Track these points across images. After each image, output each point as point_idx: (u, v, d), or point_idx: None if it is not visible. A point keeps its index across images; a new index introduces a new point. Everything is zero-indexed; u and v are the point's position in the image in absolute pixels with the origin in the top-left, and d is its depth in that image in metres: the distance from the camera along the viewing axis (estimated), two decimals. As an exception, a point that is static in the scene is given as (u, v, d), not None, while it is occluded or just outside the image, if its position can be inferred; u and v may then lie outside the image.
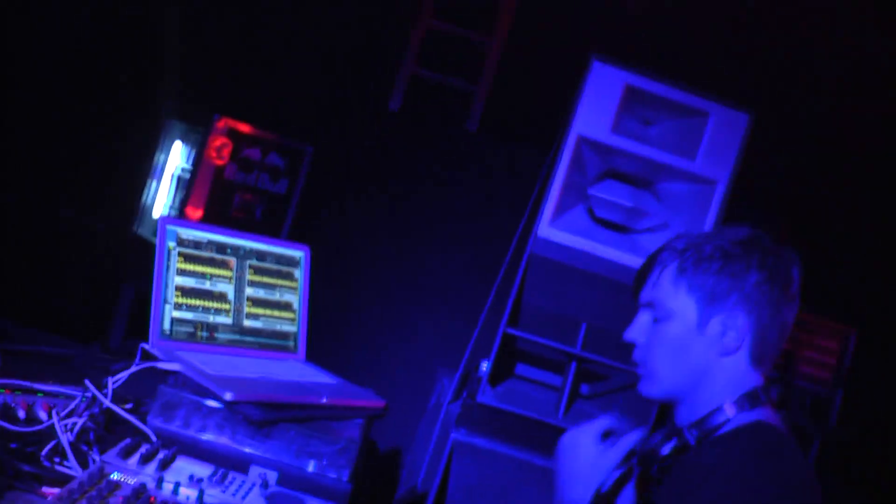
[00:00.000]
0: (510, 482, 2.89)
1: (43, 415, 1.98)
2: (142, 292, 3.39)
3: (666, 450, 1.60)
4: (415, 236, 3.93)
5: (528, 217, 3.09)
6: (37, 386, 2.07)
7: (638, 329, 1.71)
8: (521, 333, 2.91)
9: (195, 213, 3.46)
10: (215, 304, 2.20)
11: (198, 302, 2.16)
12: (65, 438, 1.81)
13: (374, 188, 3.97)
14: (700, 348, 1.61)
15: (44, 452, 1.82)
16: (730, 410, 1.57)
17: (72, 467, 1.78)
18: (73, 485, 1.57)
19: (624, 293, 2.90)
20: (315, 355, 2.40)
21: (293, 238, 3.28)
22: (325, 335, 2.54)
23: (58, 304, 3.33)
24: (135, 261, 3.57)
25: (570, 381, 3.07)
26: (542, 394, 3.18)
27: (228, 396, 1.87)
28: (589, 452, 1.66)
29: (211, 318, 2.19)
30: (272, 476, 1.89)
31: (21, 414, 1.97)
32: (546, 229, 2.94)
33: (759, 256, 1.60)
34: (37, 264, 3.46)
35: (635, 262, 2.95)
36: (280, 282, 2.35)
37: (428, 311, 3.89)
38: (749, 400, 1.58)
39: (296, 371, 2.25)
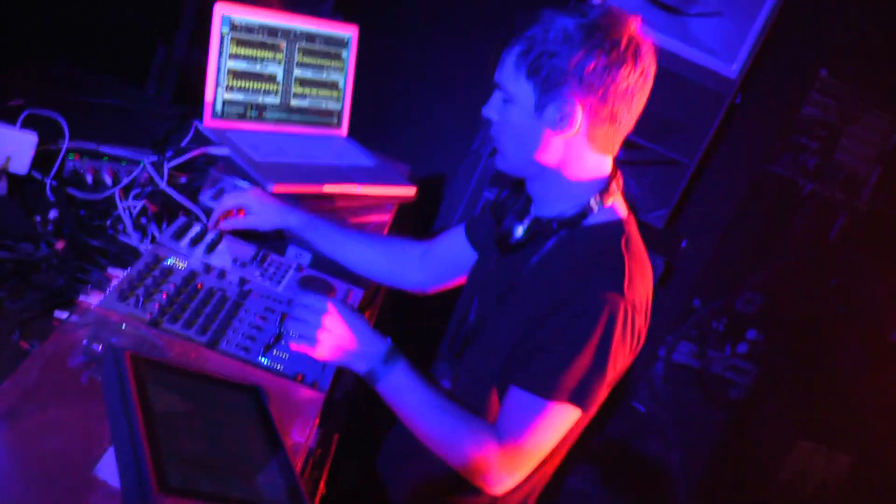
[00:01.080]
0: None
1: (108, 180, 2.21)
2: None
3: (520, 234, 1.76)
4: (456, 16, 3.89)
5: (578, -2, 3.09)
6: (102, 149, 2.28)
7: (491, 107, 1.75)
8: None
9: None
10: (265, 85, 2.35)
11: (248, 84, 2.32)
12: (127, 217, 2.05)
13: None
14: (538, 132, 1.67)
15: (108, 222, 2.08)
16: (589, 210, 1.70)
17: (132, 240, 2.03)
18: (133, 272, 1.82)
19: (667, 79, 2.99)
20: (358, 130, 2.57)
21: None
22: (368, 110, 2.68)
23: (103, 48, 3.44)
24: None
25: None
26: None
27: (271, 188, 2.07)
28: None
29: (260, 99, 2.35)
30: (306, 257, 2.13)
31: (89, 179, 2.20)
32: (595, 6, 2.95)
33: (599, 39, 1.58)
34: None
35: (683, 49, 3.01)
36: (327, 62, 2.47)
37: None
38: (602, 196, 1.70)
39: (336, 150, 2.43)
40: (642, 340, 1.69)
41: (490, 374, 1.75)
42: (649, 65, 1.67)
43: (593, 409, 1.71)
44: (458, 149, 3.80)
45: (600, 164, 1.73)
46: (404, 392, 1.71)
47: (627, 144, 3.20)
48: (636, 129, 2.96)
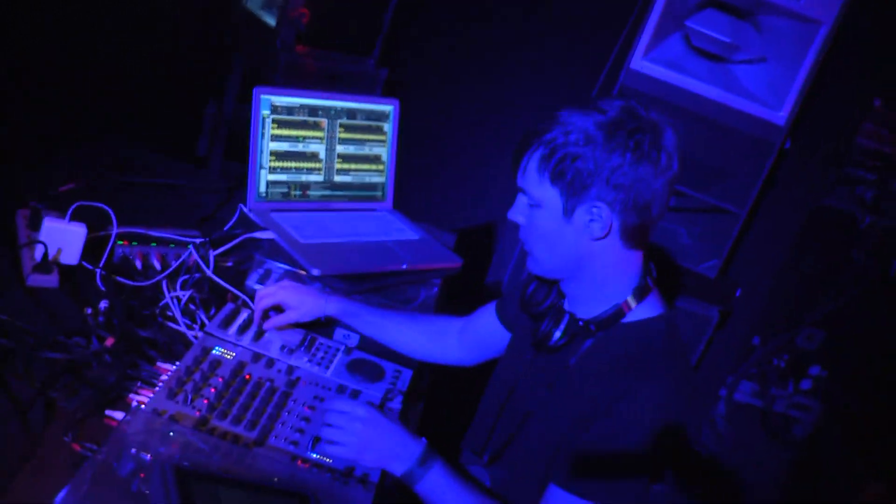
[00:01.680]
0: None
1: (157, 264, 2.24)
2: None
3: (559, 337, 1.73)
4: (498, 73, 3.91)
5: (619, 50, 3.08)
6: (151, 232, 2.31)
7: (517, 210, 1.72)
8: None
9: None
10: (307, 164, 2.37)
11: (291, 164, 2.34)
12: (175, 306, 2.07)
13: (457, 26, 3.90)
14: (570, 236, 1.64)
15: (157, 310, 2.10)
16: (626, 307, 1.68)
17: (181, 327, 2.05)
18: (181, 367, 1.83)
19: (714, 129, 2.97)
20: (403, 201, 2.57)
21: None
22: (412, 181, 2.69)
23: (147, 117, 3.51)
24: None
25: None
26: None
27: (316, 272, 2.08)
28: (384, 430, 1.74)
29: (303, 178, 2.37)
30: (354, 338, 2.13)
31: (138, 264, 2.23)
32: (639, 61, 2.94)
33: (622, 138, 1.56)
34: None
35: (728, 98, 2.98)
36: (369, 136, 2.49)
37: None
38: (639, 294, 1.68)
39: (382, 225, 2.43)
40: (687, 440, 1.66)
41: (534, 473, 1.73)
42: (673, 151, 1.62)
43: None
44: (503, 205, 3.78)
45: (635, 260, 1.70)
46: (443, 492, 1.69)
47: (677, 193, 3.19)
48: (684, 178, 2.96)
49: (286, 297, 2.08)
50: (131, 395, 1.78)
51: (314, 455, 1.72)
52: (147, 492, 1.40)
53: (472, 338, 2.15)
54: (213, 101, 4.02)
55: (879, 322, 4.61)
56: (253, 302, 2.12)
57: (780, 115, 3.05)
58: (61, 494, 1.39)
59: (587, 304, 1.72)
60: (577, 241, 1.65)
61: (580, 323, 1.71)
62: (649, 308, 1.71)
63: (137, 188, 2.61)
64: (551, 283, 1.80)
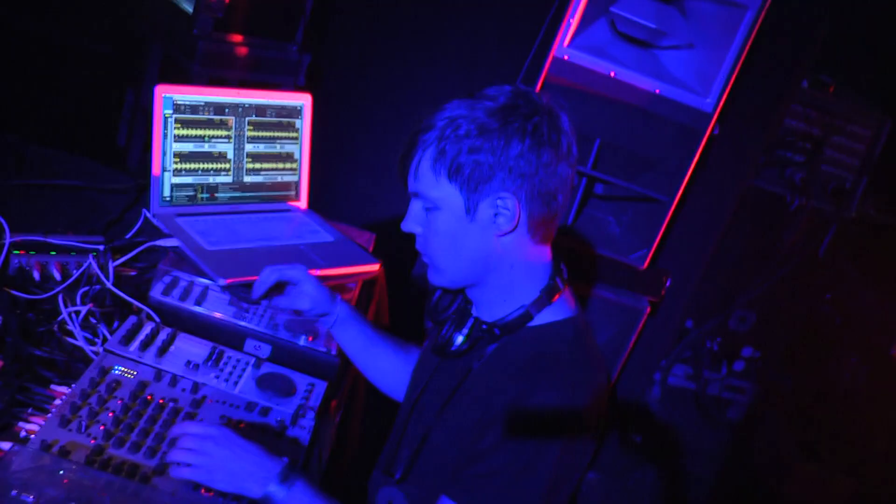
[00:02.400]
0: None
1: (57, 275, 2.11)
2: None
3: (460, 342, 1.65)
4: (421, 63, 3.81)
5: (543, 37, 3.00)
6: (50, 240, 2.17)
7: (412, 219, 1.63)
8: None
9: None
10: (215, 165, 2.25)
11: (197, 165, 2.21)
12: (73, 321, 1.94)
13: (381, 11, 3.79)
14: (475, 235, 1.55)
15: (55, 326, 1.97)
16: (533, 310, 1.58)
17: (81, 343, 1.93)
18: (76, 390, 1.71)
19: (641, 117, 2.90)
20: (317, 197, 2.47)
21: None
22: (328, 178, 2.58)
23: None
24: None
25: (578, 197, 3.13)
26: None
27: (222, 283, 1.97)
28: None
29: (211, 179, 2.25)
30: (265, 350, 2.03)
31: (36, 276, 2.10)
32: (563, 49, 2.86)
33: (518, 123, 1.48)
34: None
35: (655, 85, 2.91)
36: (281, 134, 2.37)
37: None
38: (547, 294, 1.59)
39: (295, 227, 2.32)
40: (594, 440, 1.59)
41: (443, 486, 1.61)
42: (573, 135, 1.56)
43: None
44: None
45: (543, 257, 1.62)
46: None
47: (605, 183, 3.13)
48: (613, 167, 2.90)
49: (300, 278, 1.93)
50: (20, 424, 1.67)
51: (220, 485, 1.61)
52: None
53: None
54: (132, 89, 3.88)
55: (809, 302, 4.66)
56: (158, 315, 2.00)
57: (708, 102, 3.00)
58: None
59: (494, 307, 1.63)
60: (482, 241, 1.56)
61: (484, 326, 1.63)
62: (558, 310, 1.62)
63: (34, 190, 2.46)
64: (457, 291, 1.71)
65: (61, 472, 1.47)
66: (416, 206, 1.62)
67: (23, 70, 3.44)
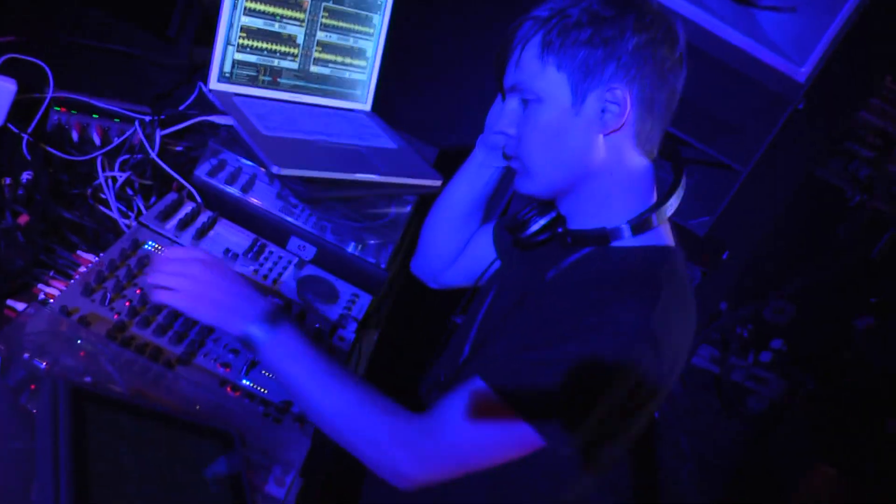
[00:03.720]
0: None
1: (97, 139, 1.96)
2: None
3: (535, 228, 1.49)
4: None
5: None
6: (94, 102, 2.01)
7: (507, 118, 1.45)
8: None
9: None
10: (282, 48, 2.07)
11: (264, 44, 2.04)
12: (106, 186, 1.79)
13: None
14: (578, 131, 1.38)
15: (89, 190, 1.82)
16: (627, 229, 1.40)
17: (114, 214, 1.78)
18: (104, 259, 1.56)
19: (726, 75, 2.72)
20: (383, 105, 2.29)
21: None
22: (396, 84, 2.39)
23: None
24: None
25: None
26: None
27: (276, 170, 1.81)
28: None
29: (276, 62, 2.08)
30: (310, 251, 1.87)
31: (75, 136, 1.95)
32: (659, -10, 2.66)
33: (635, 15, 1.35)
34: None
35: (748, 44, 2.72)
36: (356, 27, 2.19)
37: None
38: (646, 217, 1.39)
39: (358, 128, 2.15)
40: (660, 390, 1.37)
41: (476, 368, 1.38)
42: (684, 51, 1.40)
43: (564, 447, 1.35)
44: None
45: (644, 167, 1.43)
46: (294, 357, 1.34)
47: (673, 140, 2.96)
48: (685, 125, 2.72)
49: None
50: (40, 286, 1.52)
51: (247, 382, 1.47)
52: (34, 410, 1.14)
53: (468, 263, 1.86)
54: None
55: (851, 305, 4.55)
56: (200, 196, 1.85)
57: (802, 72, 2.80)
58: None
59: (587, 218, 1.44)
60: (585, 138, 1.38)
61: (571, 230, 1.46)
62: (654, 236, 1.42)
63: (86, 51, 2.29)
64: (552, 207, 1.53)
65: (79, 341, 1.31)
66: (511, 103, 1.44)
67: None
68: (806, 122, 3.39)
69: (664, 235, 1.44)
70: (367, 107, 2.28)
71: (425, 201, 2.08)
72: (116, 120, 2.00)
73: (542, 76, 1.37)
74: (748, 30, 2.73)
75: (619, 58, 1.34)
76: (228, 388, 1.44)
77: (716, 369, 4.72)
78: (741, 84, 2.81)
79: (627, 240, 1.41)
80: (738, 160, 2.92)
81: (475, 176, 1.77)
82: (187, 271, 1.37)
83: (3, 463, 1.09)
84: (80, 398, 1.09)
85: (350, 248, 1.90)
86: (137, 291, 1.53)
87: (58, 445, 1.02)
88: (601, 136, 1.38)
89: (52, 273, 1.56)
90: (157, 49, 2.43)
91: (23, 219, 1.63)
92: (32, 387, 1.19)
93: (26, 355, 1.23)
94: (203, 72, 2.10)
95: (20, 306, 1.46)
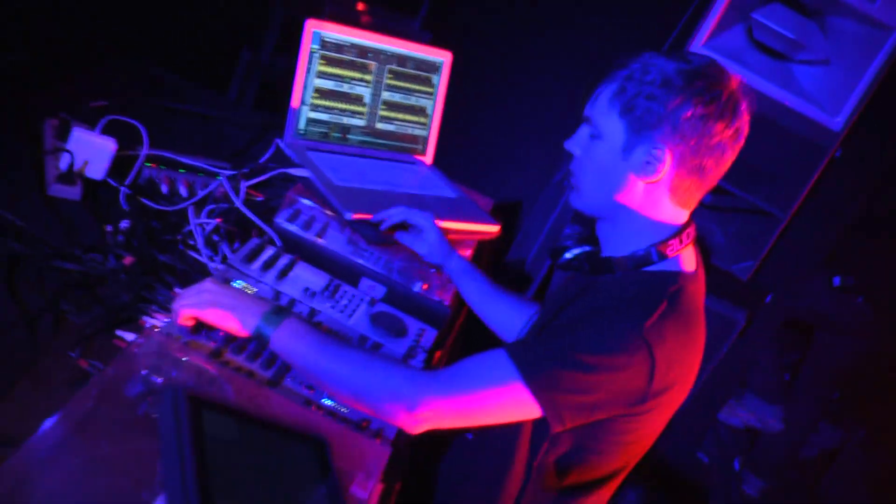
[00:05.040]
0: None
1: (184, 191, 2.16)
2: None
3: (569, 256, 1.72)
4: (554, 47, 3.82)
5: (679, 34, 2.99)
6: (180, 159, 2.22)
7: (576, 141, 1.69)
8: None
9: None
10: (351, 107, 2.27)
11: (334, 104, 2.24)
12: (199, 233, 1.98)
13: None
14: (622, 172, 1.60)
15: (179, 237, 2.01)
16: (654, 255, 1.61)
17: (203, 258, 1.97)
18: (200, 295, 1.74)
19: (764, 127, 2.86)
20: (441, 158, 2.48)
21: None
22: (453, 139, 2.59)
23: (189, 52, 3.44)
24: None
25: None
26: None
27: (349, 216, 1.99)
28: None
29: (345, 120, 2.28)
30: (379, 291, 2.04)
31: (164, 189, 2.15)
32: (699, 48, 2.84)
33: (701, 88, 1.52)
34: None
35: (784, 96, 2.87)
36: (417, 87, 2.39)
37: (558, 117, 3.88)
38: (660, 247, 1.60)
39: (420, 179, 2.34)
40: (654, 401, 1.55)
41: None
42: (745, 124, 1.59)
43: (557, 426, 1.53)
44: (538, 180, 3.73)
45: (676, 216, 1.64)
46: (303, 337, 1.58)
47: (716, 190, 3.09)
48: (728, 176, 2.86)
49: (425, 225, 2.07)
50: (145, 318, 1.70)
51: (328, 402, 1.63)
52: (155, 416, 1.31)
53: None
54: (248, 47, 3.96)
55: None
56: (281, 240, 2.04)
57: (837, 121, 2.95)
58: (60, 414, 1.30)
59: (618, 246, 1.66)
60: (626, 180, 1.60)
61: (602, 257, 1.67)
62: (675, 264, 1.63)
63: (168, 113, 2.52)
64: (589, 237, 1.74)
65: (185, 360, 1.49)
66: (583, 131, 1.67)
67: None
68: (846, 168, 3.51)
69: (681, 263, 1.64)
70: (429, 160, 2.46)
71: (483, 246, 2.25)
72: (200, 174, 2.21)
73: (607, 117, 1.60)
74: (784, 83, 2.89)
75: (673, 124, 1.53)
76: (313, 407, 1.61)
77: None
78: (779, 134, 2.97)
79: (653, 264, 1.62)
80: (777, 206, 3.07)
81: (462, 283, 2.07)
82: (201, 287, 1.63)
83: (127, 463, 1.26)
84: (196, 403, 1.26)
85: (416, 288, 2.07)
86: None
87: (181, 443, 1.19)
88: (641, 182, 1.59)
89: (153, 307, 1.74)
90: (227, 110, 2.66)
91: (127, 260, 1.82)
92: (150, 399, 1.36)
93: (144, 371, 1.41)
94: (274, 130, 2.31)
95: (129, 336, 1.64)
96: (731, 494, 4.66)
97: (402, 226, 2.06)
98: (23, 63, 2.39)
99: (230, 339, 1.65)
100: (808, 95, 2.95)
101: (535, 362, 1.49)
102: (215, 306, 1.60)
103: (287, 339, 1.58)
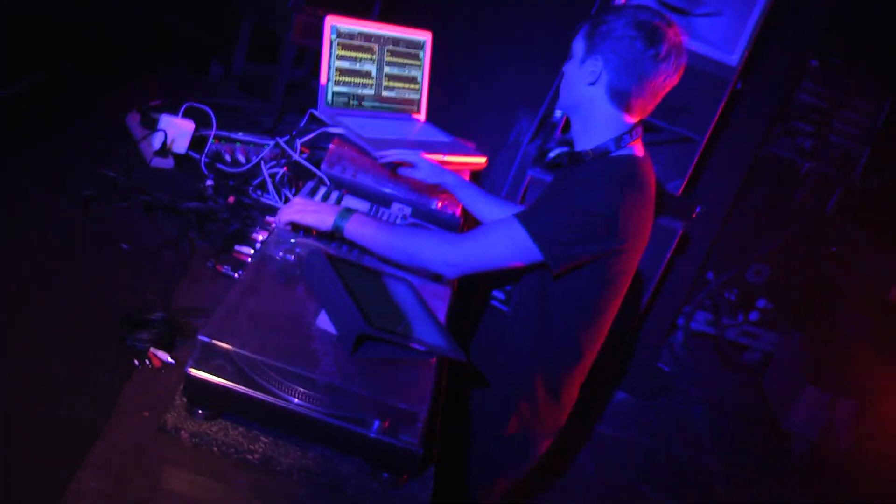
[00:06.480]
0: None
1: (242, 158, 2.81)
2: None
3: (552, 154, 2.39)
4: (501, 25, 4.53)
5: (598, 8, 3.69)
6: (234, 135, 2.88)
7: (566, 64, 2.29)
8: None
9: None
10: (362, 80, 2.96)
11: (350, 79, 2.92)
12: (269, 180, 2.65)
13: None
14: (576, 77, 2.21)
15: (249, 189, 2.67)
16: (611, 145, 2.21)
17: (272, 199, 2.63)
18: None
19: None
20: (432, 115, 3.19)
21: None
22: (440, 97, 3.30)
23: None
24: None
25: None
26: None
27: (381, 158, 2.68)
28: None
29: (359, 91, 2.96)
30: (407, 210, 2.72)
31: (227, 158, 2.80)
32: None
33: (640, 22, 2.09)
34: None
35: (690, 44, 3.57)
36: (409, 61, 3.08)
37: (513, 58, 4.53)
38: (616, 140, 2.20)
39: (420, 130, 3.03)
40: (627, 244, 2.17)
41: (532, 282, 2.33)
42: (675, 45, 2.16)
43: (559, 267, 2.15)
44: (495, 140, 4.38)
45: (624, 118, 2.22)
46: (367, 225, 2.20)
47: (649, 127, 3.79)
48: (655, 112, 3.57)
49: (418, 160, 2.66)
50: (254, 235, 2.36)
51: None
52: (300, 272, 1.98)
53: None
54: (217, 61, 4.51)
55: (817, 255, 5.12)
56: (330, 182, 2.71)
57: (733, 58, 3.69)
58: (240, 279, 1.97)
59: (585, 140, 2.27)
60: (580, 84, 2.22)
61: (577, 152, 2.28)
62: (631, 151, 2.23)
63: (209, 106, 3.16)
64: (564, 140, 2.40)
65: (293, 240, 2.14)
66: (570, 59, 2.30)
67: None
68: (749, 103, 4.20)
69: (634, 151, 2.25)
70: (423, 116, 3.17)
71: (474, 175, 2.95)
72: (252, 145, 2.87)
73: (578, 42, 2.24)
74: (689, 33, 3.59)
75: (612, 44, 2.14)
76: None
77: (712, 331, 5.33)
78: (690, 74, 3.64)
79: (615, 152, 2.23)
80: (696, 132, 3.79)
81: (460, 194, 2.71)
82: (295, 201, 2.28)
83: (288, 302, 1.92)
84: (333, 260, 1.95)
85: (433, 205, 2.75)
86: (314, 232, 2.37)
87: (334, 280, 1.86)
88: (589, 87, 2.22)
89: (257, 228, 2.40)
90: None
91: (231, 199, 2.48)
92: (288, 267, 2.04)
93: (280, 254, 2.07)
94: (287, 117, 2.99)
95: (245, 250, 2.30)
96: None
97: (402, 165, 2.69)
98: (93, 76, 3.02)
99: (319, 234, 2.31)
100: (708, 41, 3.68)
101: (536, 220, 2.14)
102: (304, 212, 2.24)
103: (356, 227, 2.21)
